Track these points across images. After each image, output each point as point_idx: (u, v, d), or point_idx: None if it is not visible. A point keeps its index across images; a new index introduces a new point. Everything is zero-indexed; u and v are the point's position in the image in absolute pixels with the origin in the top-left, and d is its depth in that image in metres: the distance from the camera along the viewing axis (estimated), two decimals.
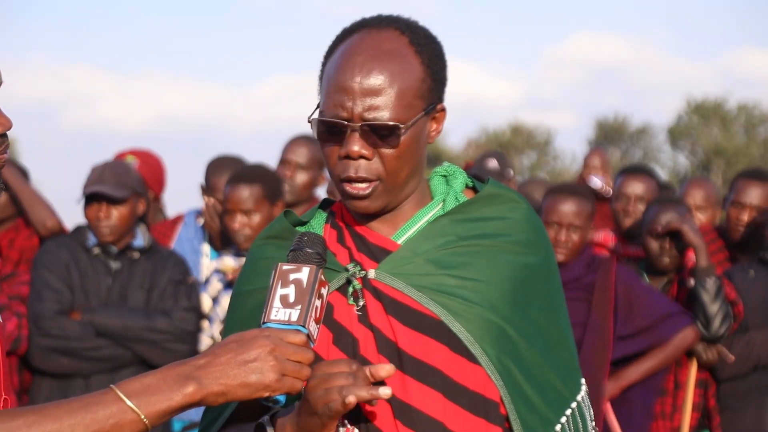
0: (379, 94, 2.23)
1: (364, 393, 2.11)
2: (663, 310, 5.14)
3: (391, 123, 2.22)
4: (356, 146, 2.23)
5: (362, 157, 2.24)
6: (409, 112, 2.25)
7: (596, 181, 7.66)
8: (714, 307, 5.18)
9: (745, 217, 5.83)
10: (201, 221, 5.81)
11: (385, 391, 2.12)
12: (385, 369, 2.14)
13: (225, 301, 5.20)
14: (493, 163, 6.86)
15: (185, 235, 5.82)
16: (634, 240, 5.76)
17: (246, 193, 5.14)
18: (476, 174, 6.72)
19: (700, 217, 6.11)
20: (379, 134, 2.23)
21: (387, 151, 2.24)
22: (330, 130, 2.26)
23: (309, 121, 2.28)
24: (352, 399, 2.09)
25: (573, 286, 4.98)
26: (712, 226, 6.08)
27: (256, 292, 2.32)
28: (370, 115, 2.23)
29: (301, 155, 5.93)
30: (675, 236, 5.31)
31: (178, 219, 6.08)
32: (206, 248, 5.69)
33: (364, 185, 2.26)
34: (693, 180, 6.41)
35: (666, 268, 5.39)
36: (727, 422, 5.40)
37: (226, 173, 5.63)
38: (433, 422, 2.22)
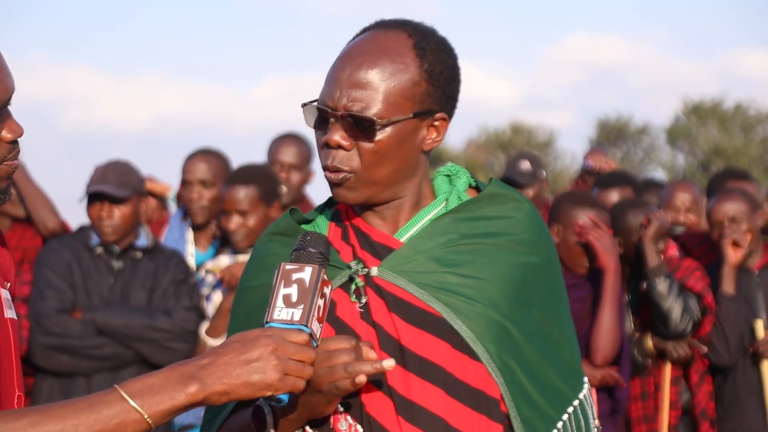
0: (365, 88, 2.26)
1: (368, 368, 2.13)
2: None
3: (369, 117, 2.25)
4: (336, 136, 2.27)
5: (341, 147, 2.27)
6: (393, 110, 2.27)
7: (588, 163, 7.77)
8: (667, 305, 5.20)
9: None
10: (187, 221, 5.85)
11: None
12: (382, 365, 2.16)
13: (216, 298, 5.22)
14: (526, 165, 6.89)
15: (170, 237, 5.84)
16: None
17: (242, 194, 5.16)
18: (509, 176, 6.75)
19: (691, 218, 6.13)
20: (359, 127, 2.26)
21: (365, 145, 2.27)
22: (319, 119, 2.31)
23: (302, 106, 2.32)
24: (362, 379, 2.12)
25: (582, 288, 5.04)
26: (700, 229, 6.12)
27: (260, 288, 2.34)
28: (352, 107, 2.26)
29: (291, 155, 5.97)
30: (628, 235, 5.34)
31: (163, 221, 6.11)
32: (191, 249, 5.72)
33: (337, 173, 2.29)
34: (677, 182, 6.40)
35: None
36: (729, 422, 5.41)
37: (196, 158, 5.79)
38: (435, 418, 2.23)
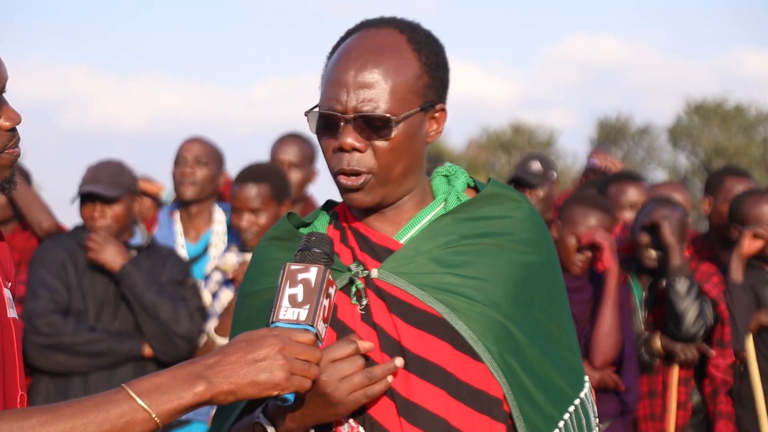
0: (373, 87, 2.27)
1: (380, 387, 2.19)
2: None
3: (384, 115, 2.25)
4: (349, 138, 2.26)
5: (355, 149, 2.27)
6: (402, 106, 2.28)
7: (594, 162, 7.81)
8: (682, 307, 5.18)
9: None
10: (175, 216, 5.87)
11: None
12: (394, 364, 2.21)
13: (224, 296, 5.22)
14: (537, 166, 6.92)
15: (160, 232, 5.85)
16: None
17: (254, 192, 5.17)
18: (520, 177, 6.77)
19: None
20: (372, 127, 2.26)
21: (380, 144, 2.27)
22: (326, 124, 2.29)
23: (305, 114, 2.32)
24: (377, 389, 2.19)
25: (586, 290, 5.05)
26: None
27: (262, 292, 2.35)
28: (363, 108, 2.26)
29: (292, 154, 6.01)
30: (657, 235, 5.35)
31: (152, 220, 6.12)
32: (181, 240, 5.73)
33: (356, 177, 2.28)
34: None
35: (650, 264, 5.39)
36: (746, 418, 5.41)
37: (190, 143, 5.94)
38: (436, 419, 2.23)
